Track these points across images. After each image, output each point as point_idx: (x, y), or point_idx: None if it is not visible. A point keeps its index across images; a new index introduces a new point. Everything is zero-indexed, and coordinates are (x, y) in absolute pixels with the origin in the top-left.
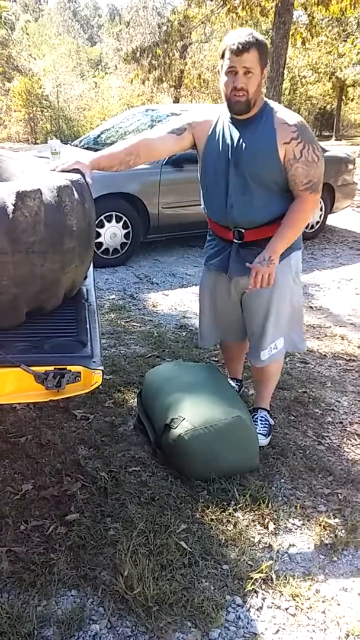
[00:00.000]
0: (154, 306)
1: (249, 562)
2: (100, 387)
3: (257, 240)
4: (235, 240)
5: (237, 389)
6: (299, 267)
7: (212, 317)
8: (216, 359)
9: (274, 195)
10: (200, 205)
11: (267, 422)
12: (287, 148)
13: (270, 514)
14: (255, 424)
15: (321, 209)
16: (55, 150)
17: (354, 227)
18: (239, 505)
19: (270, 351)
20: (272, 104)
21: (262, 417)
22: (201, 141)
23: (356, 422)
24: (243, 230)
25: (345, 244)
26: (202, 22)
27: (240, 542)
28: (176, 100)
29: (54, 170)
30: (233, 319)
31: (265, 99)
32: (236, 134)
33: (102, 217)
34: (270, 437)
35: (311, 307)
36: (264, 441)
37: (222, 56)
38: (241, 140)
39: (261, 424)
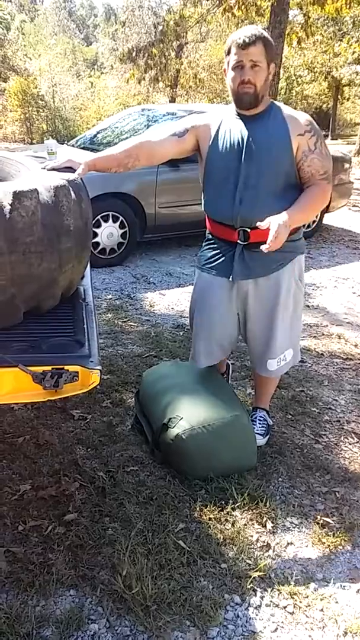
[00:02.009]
0: (151, 306)
1: (248, 561)
2: (98, 387)
3: (262, 242)
4: (240, 242)
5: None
6: (302, 271)
7: (207, 330)
8: None
9: (281, 191)
10: (197, 204)
11: (266, 422)
12: (301, 140)
13: (268, 512)
14: (254, 424)
15: None
16: (51, 150)
17: (350, 226)
18: (237, 504)
19: (279, 362)
20: (278, 103)
21: (260, 416)
22: (205, 141)
23: (353, 421)
24: (249, 230)
25: (342, 243)
26: (198, 22)
27: (238, 541)
28: (172, 100)
29: (44, 168)
30: (227, 329)
31: (271, 99)
32: (247, 130)
33: (99, 216)
34: (268, 436)
35: (308, 306)
36: (261, 441)
37: (228, 53)
38: (254, 135)
39: (259, 423)
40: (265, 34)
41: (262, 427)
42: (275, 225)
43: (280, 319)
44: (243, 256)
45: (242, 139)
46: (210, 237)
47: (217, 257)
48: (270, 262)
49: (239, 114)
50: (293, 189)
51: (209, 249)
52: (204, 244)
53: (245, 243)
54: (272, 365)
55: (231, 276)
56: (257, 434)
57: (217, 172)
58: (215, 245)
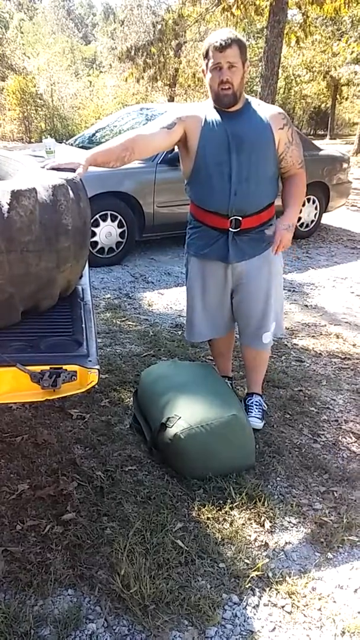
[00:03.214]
0: (149, 305)
1: (246, 561)
2: (96, 386)
3: (251, 227)
4: (232, 229)
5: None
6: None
7: (202, 309)
8: (211, 358)
9: (268, 180)
10: None
11: (261, 406)
12: (281, 133)
13: (267, 512)
14: (251, 409)
15: (316, 208)
16: (50, 149)
17: (349, 226)
18: (235, 504)
19: (271, 334)
20: (252, 98)
21: (256, 401)
22: (194, 134)
23: (351, 420)
24: (241, 219)
25: (340, 242)
26: (197, 21)
27: (236, 541)
28: (171, 99)
29: (44, 167)
30: (224, 308)
31: (246, 96)
32: (231, 125)
33: (97, 216)
34: (264, 421)
35: (306, 305)
36: (259, 424)
37: (206, 56)
38: (239, 129)
39: (256, 408)
40: (240, 36)
41: (259, 411)
42: (279, 237)
43: (273, 294)
44: (235, 241)
45: (228, 134)
46: (198, 224)
47: (209, 243)
48: (259, 243)
49: (219, 111)
50: (276, 177)
51: (199, 236)
52: (190, 231)
53: (237, 230)
54: (267, 338)
55: (227, 259)
56: (256, 417)
57: (209, 166)
58: (206, 232)
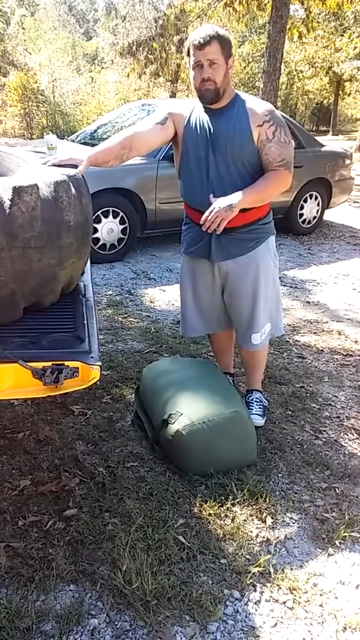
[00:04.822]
0: (151, 302)
1: (247, 556)
2: (98, 382)
3: (235, 227)
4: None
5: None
6: (275, 250)
7: (194, 305)
8: (213, 354)
9: (251, 179)
10: None
11: (262, 403)
12: (260, 130)
13: (268, 508)
14: (251, 406)
15: (318, 204)
16: (51, 145)
17: (351, 222)
18: (237, 500)
19: (261, 336)
20: (243, 94)
21: (256, 398)
22: (179, 130)
23: (353, 417)
24: None
25: (342, 239)
26: (199, 16)
27: (238, 537)
28: (173, 95)
29: (46, 163)
30: (215, 305)
31: (237, 91)
32: (212, 123)
33: (99, 212)
34: (265, 417)
35: (308, 302)
36: (260, 422)
37: (188, 54)
38: (218, 127)
39: (256, 404)
40: (221, 31)
41: (260, 408)
42: (216, 207)
43: (261, 295)
44: (220, 240)
45: (208, 131)
46: (188, 221)
47: (196, 240)
48: (245, 243)
49: (205, 108)
50: (259, 176)
51: (189, 233)
52: (183, 227)
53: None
54: (256, 339)
55: (211, 258)
56: (256, 414)
57: (191, 162)
58: (194, 230)
